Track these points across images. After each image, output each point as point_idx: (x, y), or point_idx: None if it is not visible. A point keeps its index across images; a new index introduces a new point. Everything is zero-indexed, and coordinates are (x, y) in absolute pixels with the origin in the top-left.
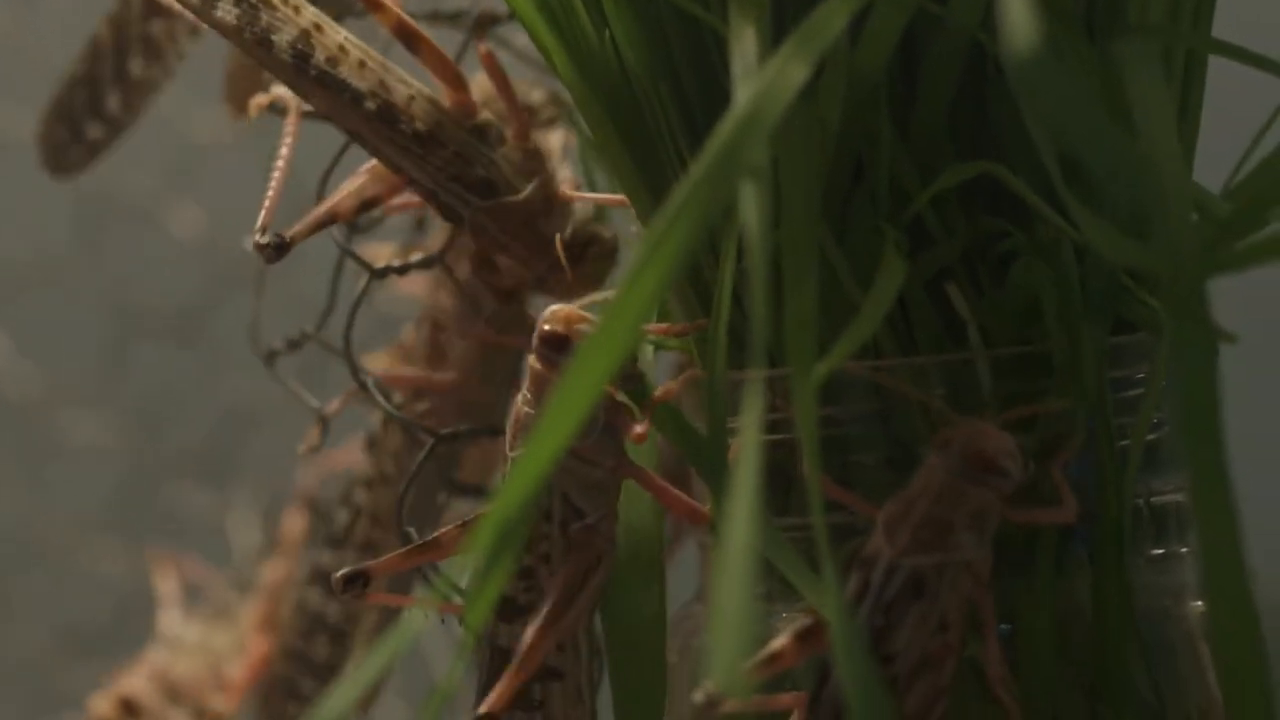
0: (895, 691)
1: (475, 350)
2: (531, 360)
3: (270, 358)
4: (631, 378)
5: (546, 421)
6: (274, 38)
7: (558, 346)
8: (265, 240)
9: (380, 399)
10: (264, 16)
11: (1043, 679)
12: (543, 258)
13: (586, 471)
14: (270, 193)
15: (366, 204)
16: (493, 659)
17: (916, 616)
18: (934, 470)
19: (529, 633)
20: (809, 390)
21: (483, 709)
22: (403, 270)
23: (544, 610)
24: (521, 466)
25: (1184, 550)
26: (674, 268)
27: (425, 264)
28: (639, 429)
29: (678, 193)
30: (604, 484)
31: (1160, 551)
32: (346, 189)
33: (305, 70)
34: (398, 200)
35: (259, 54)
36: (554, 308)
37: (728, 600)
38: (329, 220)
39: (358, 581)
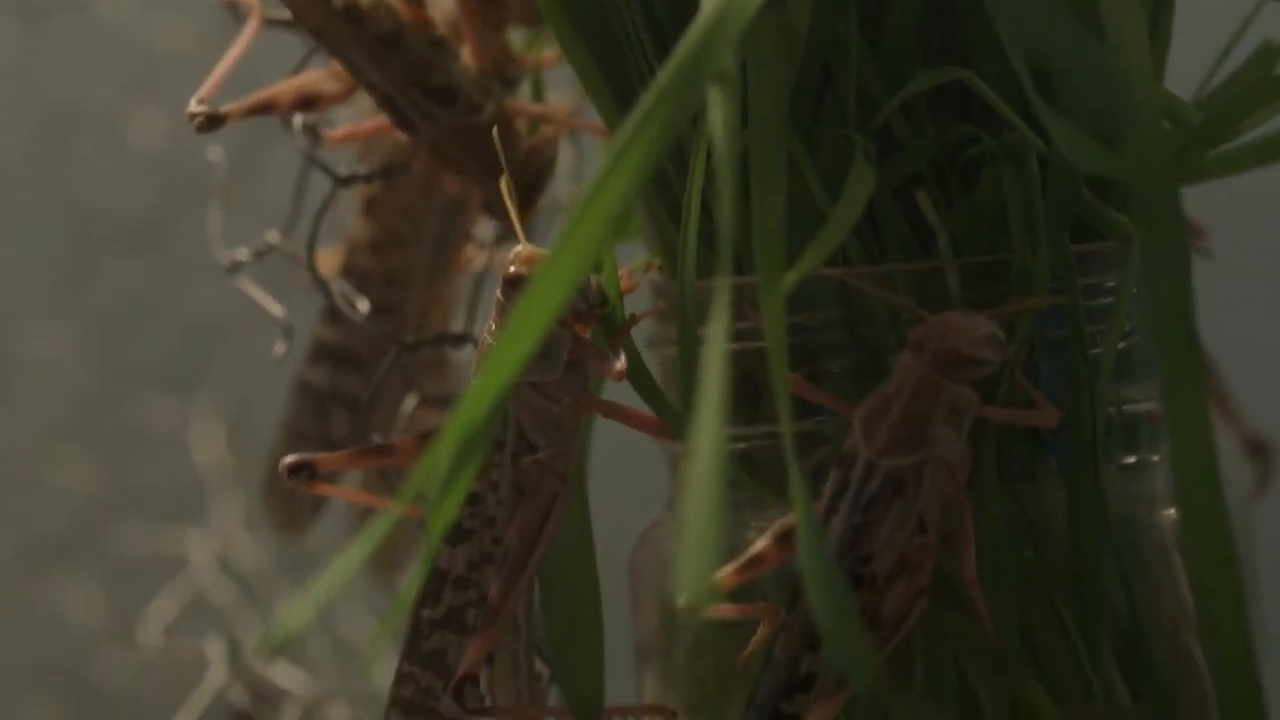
0: (873, 591)
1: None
2: (498, 296)
3: (233, 268)
4: (594, 298)
5: (501, 345)
6: None
7: (521, 288)
8: (199, 110)
9: (345, 307)
10: None
11: (1005, 586)
12: (496, 182)
13: (544, 405)
14: (217, 71)
15: (306, 100)
16: (430, 579)
17: (895, 516)
18: (909, 367)
19: (492, 591)
20: (777, 298)
21: (459, 673)
22: (368, 178)
23: (503, 567)
24: (476, 391)
25: (1156, 458)
26: (640, 178)
27: (389, 172)
28: (618, 367)
29: (643, 100)
30: (561, 420)
31: (1132, 459)
32: (291, 81)
33: None
34: (351, 129)
35: None
36: (519, 248)
37: (697, 508)
38: (265, 107)
39: (303, 471)
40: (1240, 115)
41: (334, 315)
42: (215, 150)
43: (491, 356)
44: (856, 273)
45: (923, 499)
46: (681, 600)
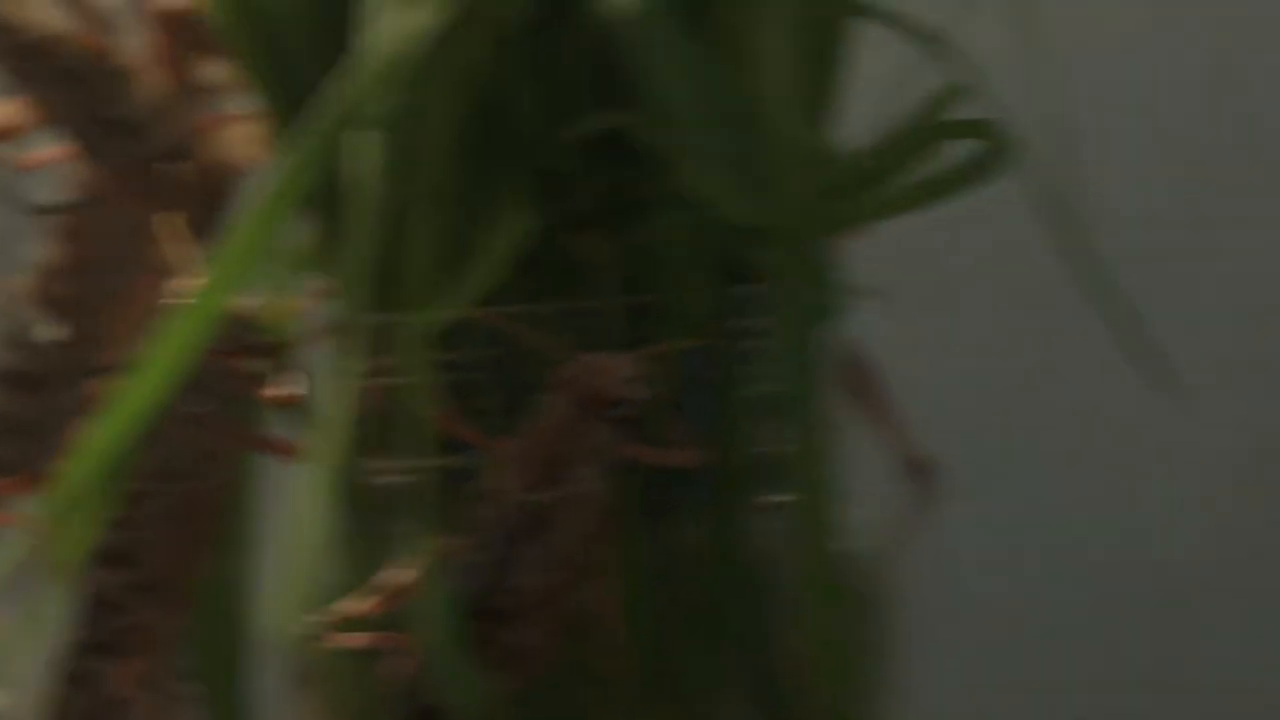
0: (513, 625)
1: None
2: None
3: None
4: (253, 330)
5: (139, 374)
6: None
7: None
8: None
9: (36, 332)
10: None
11: (646, 620)
12: (175, 211)
13: (199, 436)
14: None
15: None
16: (83, 603)
17: (538, 550)
18: (554, 406)
19: (145, 617)
20: (422, 336)
21: (110, 697)
22: (60, 210)
23: (156, 593)
24: (107, 420)
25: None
26: (286, 215)
27: (86, 204)
28: (273, 392)
29: (297, 139)
30: (214, 452)
31: (775, 499)
32: None
33: None
34: (46, 153)
35: None
36: (179, 280)
37: (306, 539)
38: None
39: None
40: (903, 158)
41: (15, 340)
42: None
43: (128, 385)
44: (504, 314)
45: (564, 534)
46: (284, 628)
